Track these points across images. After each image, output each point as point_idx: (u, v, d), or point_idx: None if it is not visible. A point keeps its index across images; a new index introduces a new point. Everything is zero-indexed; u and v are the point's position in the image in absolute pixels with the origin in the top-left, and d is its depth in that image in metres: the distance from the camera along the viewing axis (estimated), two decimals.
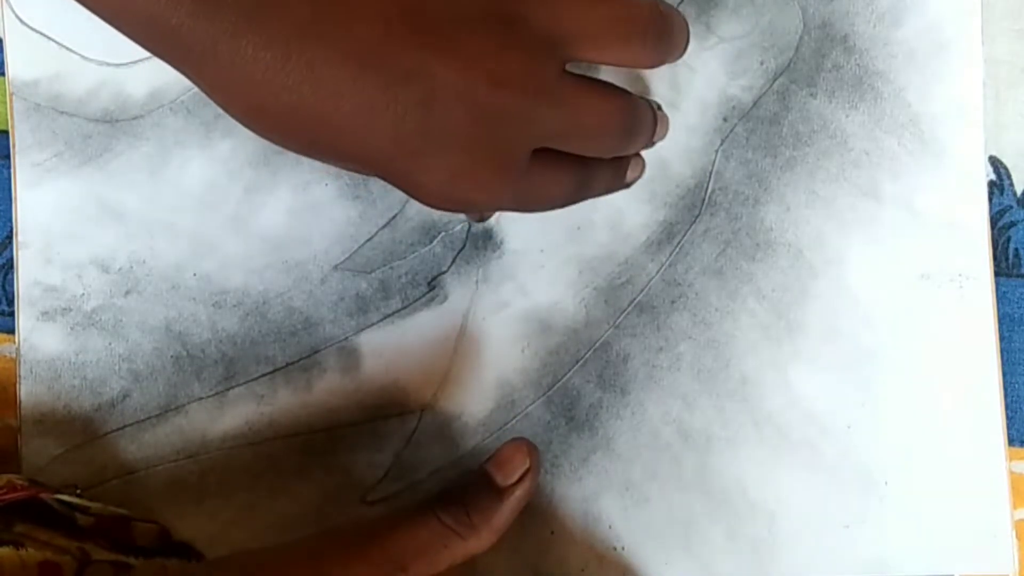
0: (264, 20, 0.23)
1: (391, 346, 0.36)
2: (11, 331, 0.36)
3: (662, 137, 0.33)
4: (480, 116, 0.25)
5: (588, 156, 0.29)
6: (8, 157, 0.36)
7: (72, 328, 0.36)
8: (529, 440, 0.34)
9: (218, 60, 0.24)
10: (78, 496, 0.34)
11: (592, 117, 0.28)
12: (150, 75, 0.36)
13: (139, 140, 0.36)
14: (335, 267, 0.36)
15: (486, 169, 0.26)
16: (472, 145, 0.25)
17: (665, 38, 0.29)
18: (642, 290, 0.37)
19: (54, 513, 0.34)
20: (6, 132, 0.36)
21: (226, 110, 0.25)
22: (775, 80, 0.37)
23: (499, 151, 0.26)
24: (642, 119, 0.31)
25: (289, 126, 0.25)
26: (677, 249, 0.37)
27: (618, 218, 0.37)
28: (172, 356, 0.36)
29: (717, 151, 0.37)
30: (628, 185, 0.34)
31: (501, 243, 0.36)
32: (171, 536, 0.35)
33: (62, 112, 0.36)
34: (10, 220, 0.36)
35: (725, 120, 0.37)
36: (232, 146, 0.36)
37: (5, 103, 0.36)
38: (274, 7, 0.23)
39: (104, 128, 0.36)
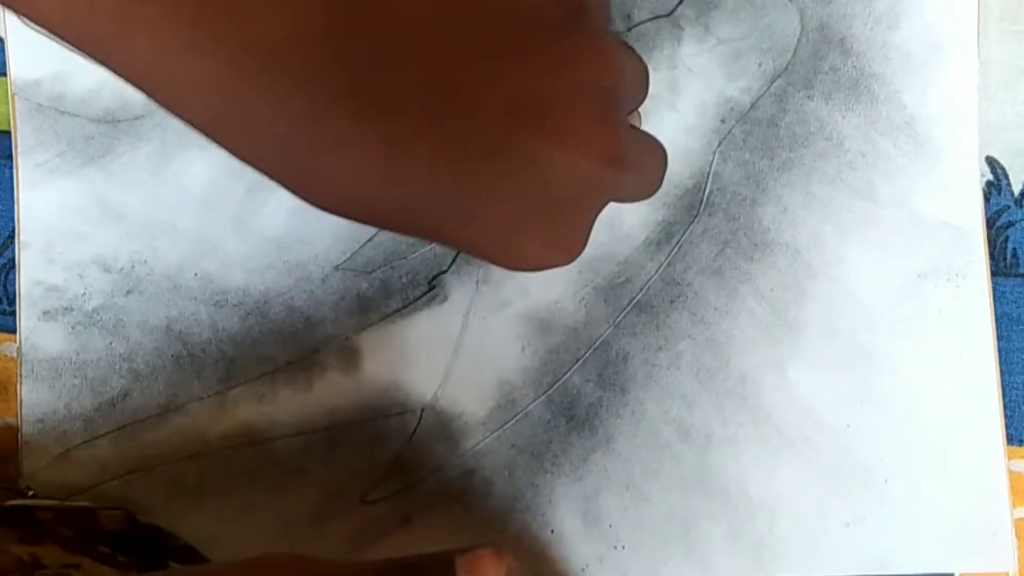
0: (376, 123, 0.22)
1: (392, 346, 0.36)
2: (12, 330, 0.36)
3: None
4: (585, 191, 0.26)
5: None
6: (10, 157, 0.36)
7: (73, 327, 0.36)
8: (507, 554, 0.30)
9: (318, 165, 0.23)
10: (32, 498, 0.34)
11: (651, 174, 0.29)
12: None
13: (141, 140, 0.36)
14: (336, 267, 0.36)
15: (578, 236, 0.27)
16: (574, 217, 0.27)
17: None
18: (641, 289, 0.37)
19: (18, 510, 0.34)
20: (8, 132, 0.37)
21: (310, 201, 0.24)
22: (773, 82, 0.37)
23: (588, 220, 0.27)
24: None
25: (392, 216, 0.24)
26: (676, 249, 0.37)
27: (617, 218, 0.37)
28: (173, 355, 0.36)
29: (715, 152, 0.37)
30: None
31: None
32: (138, 520, 0.35)
33: (64, 112, 0.36)
34: (11, 220, 0.36)
35: (723, 121, 0.37)
36: None
37: (7, 103, 0.36)
38: (386, 108, 0.22)
39: (106, 128, 0.36)
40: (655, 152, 0.30)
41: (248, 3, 0.21)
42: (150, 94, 0.22)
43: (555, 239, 0.26)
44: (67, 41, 0.21)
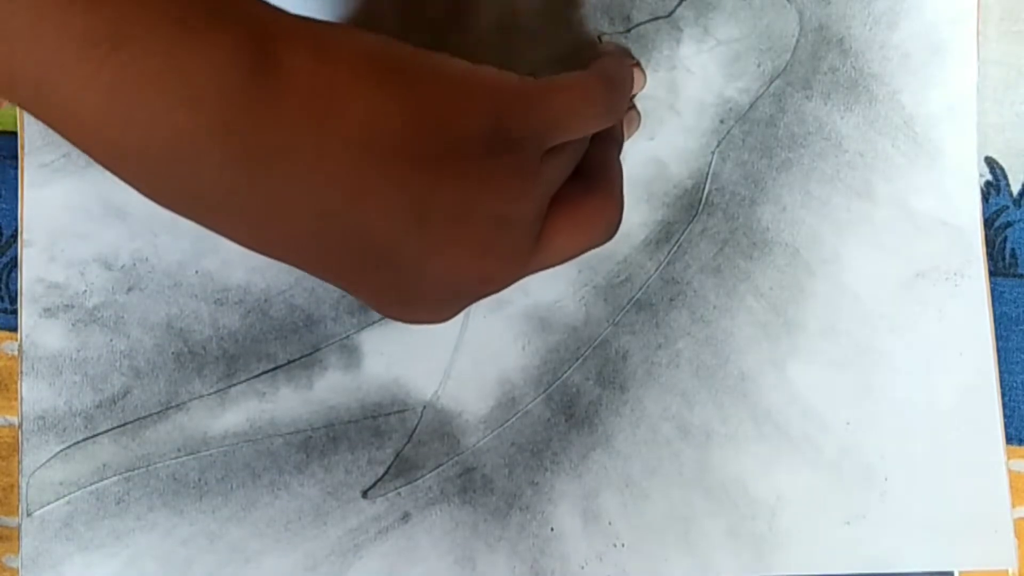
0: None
1: (392, 344, 0.36)
2: (14, 329, 0.36)
3: (641, 87, 0.36)
4: (453, 294, 0.29)
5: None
6: (15, 158, 0.37)
7: (74, 325, 0.36)
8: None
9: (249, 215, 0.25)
10: None
11: (577, 122, 0.29)
12: None
13: None
14: None
15: (446, 316, 0.31)
16: (442, 306, 0.30)
17: (618, 105, 0.32)
18: (641, 288, 0.37)
19: None
20: (13, 133, 0.37)
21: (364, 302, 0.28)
22: (772, 82, 0.37)
23: (456, 308, 0.30)
24: (619, 90, 0.32)
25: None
26: (675, 248, 0.37)
27: None
28: (173, 353, 0.36)
29: (714, 152, 0.37)
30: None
31: None
32: None
33: None
34: (15, 219, 0.37)
35: (722, 122, 0.37)
36: None
37: (14, 106, 0.37)
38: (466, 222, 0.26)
39: None
40: (577, 92, 0.30)
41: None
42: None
43: (421, 316, 0.30)
44: None
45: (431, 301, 0.29)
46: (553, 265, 0.31)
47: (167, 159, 0.23)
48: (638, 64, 0.36)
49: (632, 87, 0.32)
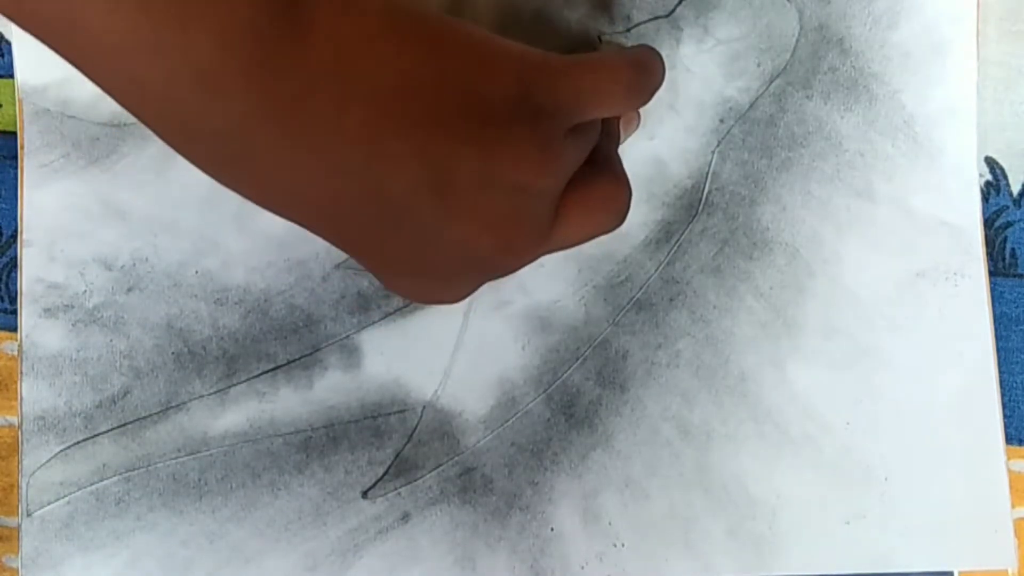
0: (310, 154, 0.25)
1: (392, 344, 0.36)
2: (14, 329, 0.36)
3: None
4: (472, 266, 0.29)
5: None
6: (15, 158, 0.37)
7: (74, 325, 0.36)
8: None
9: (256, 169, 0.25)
10: None
11: (603, 101, 0.29)
12: None
13: (146, 142, 0.37)
14: (337, 265, 0.37)
15: (460, 292, 0.31)
16: (459, 279, 0.30)
17: (646, 89, 0.31)
18: (641, 288, 0.37)
19: None
20: (13, 134, 0.37)
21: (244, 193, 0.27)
22: (772, 82, 0.37)
23: (473, 283, 0.31)
24: (649, 75, 0.31)
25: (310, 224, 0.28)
26: (675, 248, 0.37)
27: None
28: (173, 353, 0.36)
29: (714, 152, 0.37)
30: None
31: None
32: None
33: (70, 116, 0.37)
34: (15, 220, 0.37)
35: (722, 121, 0.37)
36: None
37: (13, 105, 0.37)
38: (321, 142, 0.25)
39: (112, 131, 0.37)
40: (604, 77, 0.30)
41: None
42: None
43: (432, 289, 0.30)
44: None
45: (444, 272, 0.29)
46: (565, 247, 0.30)
47: (190, 93, 0.23)
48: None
49: (663, 76, 0.32)
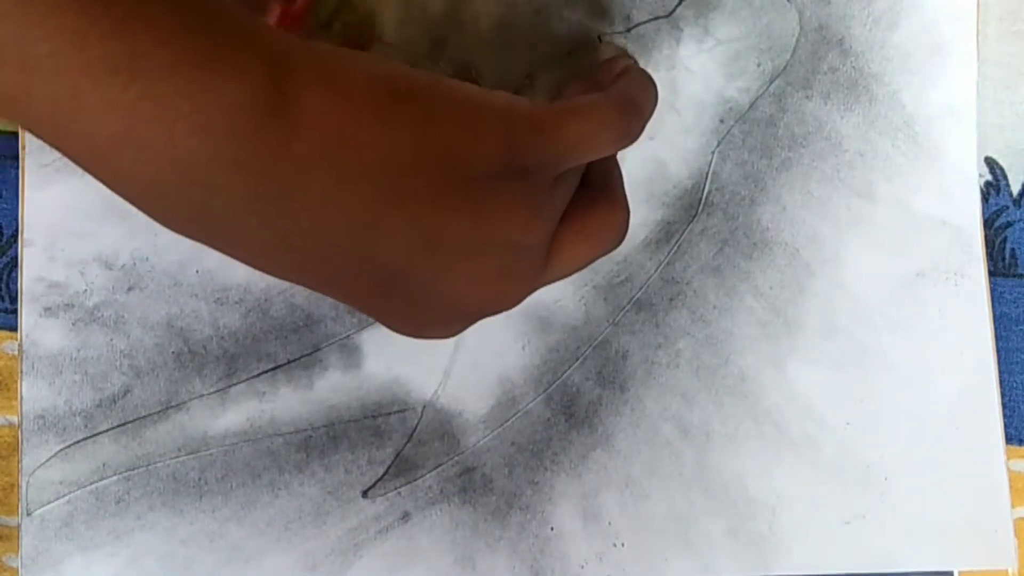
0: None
1: (392, 344, 0.36)
2: (14, 328, 0.36)
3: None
4: (461, 316, 0.30)
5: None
6: (17, 158, 0.37)
7: (74, 324, 0.36)
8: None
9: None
10: None
11: (590, 149, 0.29)
12: None
13: None
14: None
15: (452, 332, 0.31)
16: (451, 323, 0.30)
17: (635, 130, 0.31)
18: (641, 288, 0.37)
19: None
20: (15, 134, 0.37)
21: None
22: (772, 82, 0.37)
23: (464, 325, 0.31)
24: (638, 116, 0.31)
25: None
26: (675, 248, 0.37)
27: None
28: (174, 352, 0.36)
29: (714, 152, 0.37)
30: None
31: None
32: None
33: None
34: (15, 219, 0.37)
35: (722, 122, 0.37)
36: None
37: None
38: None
39: None
40: (593, 119, 0.29)
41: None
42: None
43: (431, 334, 0.30)
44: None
45: (441, 322, 0.30)
46: (565, 276, 0.31)
47: (180, 188, 0.23)
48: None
49: (654, 106, 0.32)
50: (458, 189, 0.26)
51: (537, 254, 0.29)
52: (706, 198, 0.37)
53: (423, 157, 0.25)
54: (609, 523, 0.36)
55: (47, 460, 0.36)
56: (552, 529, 0.36)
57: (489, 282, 0.28)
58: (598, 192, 0.31)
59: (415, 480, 0.36)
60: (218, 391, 0.36)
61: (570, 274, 0.31)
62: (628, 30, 0.37)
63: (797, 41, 0.37)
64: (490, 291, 0.28)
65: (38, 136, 0.23)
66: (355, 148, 0.24)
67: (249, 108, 0.23)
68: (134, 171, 0.23)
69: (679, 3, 0.37)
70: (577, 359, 0.37)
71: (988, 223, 0.38)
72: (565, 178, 0.29)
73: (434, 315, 0.29)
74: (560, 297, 0.37)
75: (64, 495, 0.36)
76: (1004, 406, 0.37)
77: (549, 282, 0.31)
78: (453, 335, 0.31)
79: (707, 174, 0.37)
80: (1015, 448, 0.37)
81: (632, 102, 0.31)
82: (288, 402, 0.36)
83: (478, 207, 0.26)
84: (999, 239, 0.38)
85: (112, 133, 0.22)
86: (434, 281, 0.27)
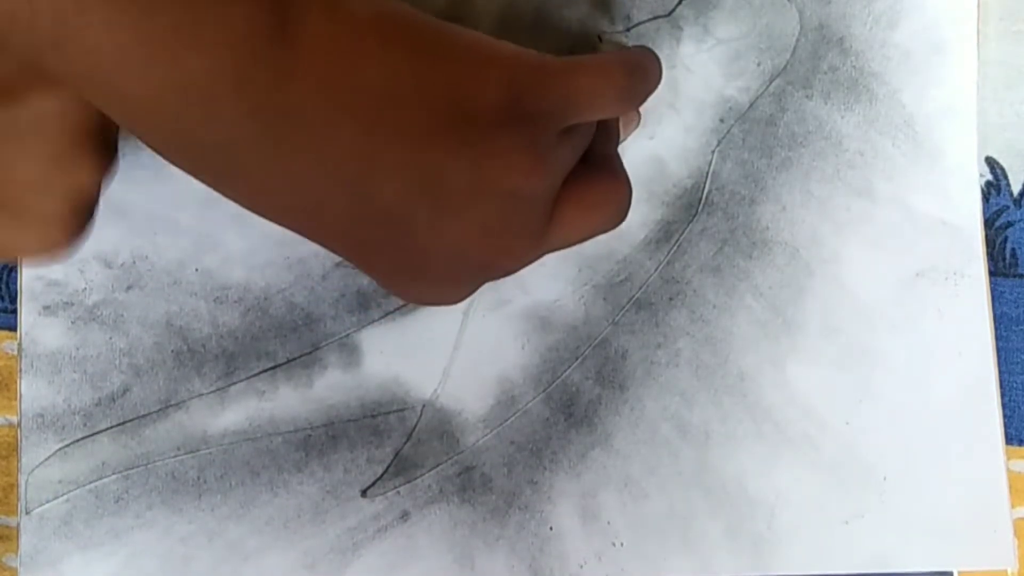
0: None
1: (392, 343, 0.36)
2: (14, 328, 0.36)
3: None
4: (463, 271, 0.29)
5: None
6: None
7: (73, 322, 0.36)
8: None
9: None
10: None
11: (596, 103, 0.29)
12: None
13: None
14: (337, 264, 0.36)
15: (453, 296, 0.31)
16: (450, 282, 0.30)
17: (640, 91, 0.31)
18: (641, 287, 0.37)
19: None
20: None
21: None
22: (772, 81, 0.37)
23: (467, 287, 0.30)
24: (643, 77, 0.31)
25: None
26: (675, 247, 0.37)
27: None
28: (173, 351, 0.36)
29: (714, 152, 0.37)
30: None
31: None
32: None
33: None
34: None
35: (722, 121, 0.37)
36: None
37: None
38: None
39: None
40: (598, 79, 0.29)
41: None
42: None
43: (429, 293, 0.30)
44: None
45: (440, 276, 0.29)
46: (565, 246, 0.30)
47: (181, 108, 0.23)
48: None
49: (659, 79, 0.32)
50: (459, 129, 0.25)
51: (538, 207, 0.28)
52: (706, 197, 0.37)
53: (424, 92, 0.25)
54: (608, 522, 0.36)
55: (46, 459, 0.36)
56: (551, 528, 0.36)
57: (487, 231, 0.27)
58: (600, 168, 0.31)
59: (414, 479, 0.36)
60: (217, 390, 0.36)
61: (570, 244, 0.30)
62: (628, 29, 0.37)
63: (797, 40, 0.37)
64: (488, 242, 0.27)
65: (37, 60, 0.23)
66: (356, 76, 0.24)
67: (252, 29, 0.23)
68: (136, 92, 0.23)
69: (679, 2, 0.37)
70: (576, 358, 0.37)
71: (988, 223, 0.38)
72: (570, 136, 0.28)
73: (432, 269, 0.28)
74: (560, 296, 0.37)
75: (63, 494, 0.36)
76: (1004, 406, 0.37)
77: (549, 250, 0.30)
78: (456, 300, 0.30)
79: (707, 173, 0.37)
80: (1015, 448, 0.37)
81: (639, 65, 0.30)
82: (287, 401, 0.36)
83: (479, 150, 0.26)
84: (999, 239, 0.38)
85: (114, 52, 0.22)
86: (431, 227, 0.26)
